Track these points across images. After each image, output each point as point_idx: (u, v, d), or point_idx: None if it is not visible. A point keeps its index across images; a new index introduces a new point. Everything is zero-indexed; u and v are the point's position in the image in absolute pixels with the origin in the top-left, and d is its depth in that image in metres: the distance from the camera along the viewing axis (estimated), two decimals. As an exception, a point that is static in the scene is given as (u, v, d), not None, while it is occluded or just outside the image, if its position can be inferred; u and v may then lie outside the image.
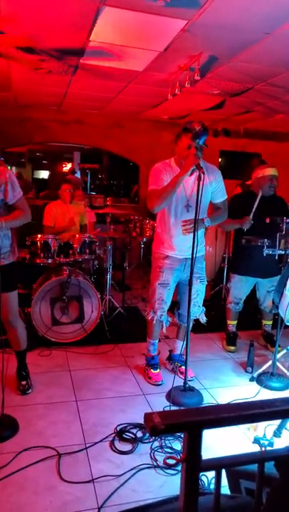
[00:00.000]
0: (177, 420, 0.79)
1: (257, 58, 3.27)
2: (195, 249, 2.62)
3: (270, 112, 5.31)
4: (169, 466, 1.98)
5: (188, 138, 2.64)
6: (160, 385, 3.00)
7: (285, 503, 0.89)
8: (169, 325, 3.07)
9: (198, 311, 3.04)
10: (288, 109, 5.14)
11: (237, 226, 3.41)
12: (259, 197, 3.25)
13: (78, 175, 9.53)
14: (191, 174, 2.64)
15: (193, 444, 0.82)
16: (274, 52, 3.12)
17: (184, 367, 3.05)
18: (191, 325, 2.93)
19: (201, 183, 2.51)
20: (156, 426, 0.78)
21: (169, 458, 1.87)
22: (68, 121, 6.38)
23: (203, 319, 3.09)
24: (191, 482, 0.85)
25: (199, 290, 2.99)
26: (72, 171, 8.69)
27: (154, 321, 3.02)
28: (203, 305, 3.10)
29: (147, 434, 2.35)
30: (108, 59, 3.48)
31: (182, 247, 2.86)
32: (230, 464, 0.92)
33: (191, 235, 2.64)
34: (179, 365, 3.17)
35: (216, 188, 2.85)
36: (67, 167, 10.01)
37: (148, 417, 0.80)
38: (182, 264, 2.94)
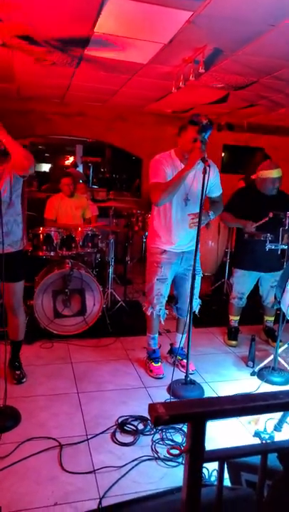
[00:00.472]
0: (181, 411, 0.79)
1: (261, 51, 3.24)
2: (197, 243, 2.64)
3: (273, 105, 5.27)
4: (173, 456, 2.00)
5: (195, 131, 2.62)
6: (161, 378, 3.01)
7: (288, 496, 0.90)
8: (165, 318, 3.09)
9: (194, 304, 3.02)
10: (293, 103, 5.10)
11: (239, 226, 3.43)
12: (265, 220, 3.21)
13: (81, 168, 9.50)
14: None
15: (197, 435, 0.82)
16: (279, 44, 3.09)
17: (184, 360, 3.08)
18: (185, 319, 2.96)
19: (207, 176, 2.50)
20: (161, 416, 0.78)
21: (172, 448, 1.89)
22: (71, 113, 6.35)
23: (197, 310, 3.07)
24: (194, 473, 0.85)
25: (195, 283, 2.98)
26: (74, 165, 8.67)
27: (154, 316, 3.03)
28: (204, 300, 3.11)
29: (148, 427, 2.37)
30: (112, 50, 3.45)
31: (181, 241, 2.87)
32: (233, 455, 0.93)
33: (187, 228, 2.71)
34: (180, 358, 3.18)
35: (213, 183, 2.86)
36: (69, 160, 9.98)
37: (152, 407, 0.80)
38: (179, 258, 2.95)
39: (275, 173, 3.32)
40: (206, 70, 3.48)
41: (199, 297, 3.05)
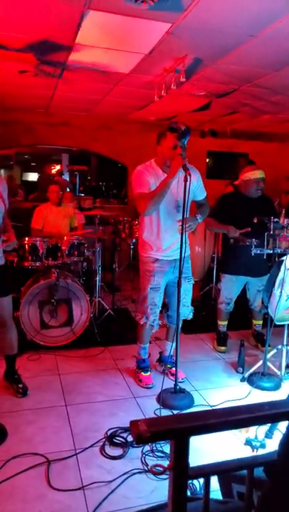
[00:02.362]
0: (163, 428, 0.78)
1: (241, 60, 3.29)
2: (184, 250, 2.65)
3: (256, 112, 5.35)
4: (157, 474, 1.96)
5: (174, 137, 2.64)
6: (151, 387, 2.98)
7: (276, 508, 0.89)
8: (158, 328, 3.05)
9: (186, 311, 3.03)
10: (274, 110, 5.18)
11: (223, 231, 3.43)
12: (247, 230, 3.23)
13: (67, 177, 9.48)
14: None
15: (181, 452, 0.80)
16: (258, 54, 3.13)
17: (174, 368, 3.05)
18: (175, 327, 2.91)
19: (188, 183, 2.52)
20: (142, 434, 0.76)
21: (156, 466, 1.86)
22: (56, 123, 6.35)
23: (189, 317, 3.09)
24: (178, 490, 0.83)
25: (187, 290, 2.99)
26: (59, 173, 8.64)
27: (146, 326, 2.99)
28: (192, 305, 3.10)
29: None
30: (94, 61, 3.46)
31: (173, 248, 2.87)
32: (218, 471, 0.91)
33: (178, 235, 2.69)
34: (169, 366, 3.16)
35: (197, 187, 2.90)
36: (55, 169, 9.95)
37: (134, 424, 0.79)
38: (171, 266, 2.94)
39: (258, 174, 3.37)
40: (187, 79, 3.52)
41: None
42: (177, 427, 0.77)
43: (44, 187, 4.98)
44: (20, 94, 4.89)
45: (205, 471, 0.83)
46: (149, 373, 3.08)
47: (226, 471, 0.96)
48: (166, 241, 2.86)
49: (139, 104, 5.12)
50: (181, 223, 2.68)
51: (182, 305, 2.91)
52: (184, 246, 2.71)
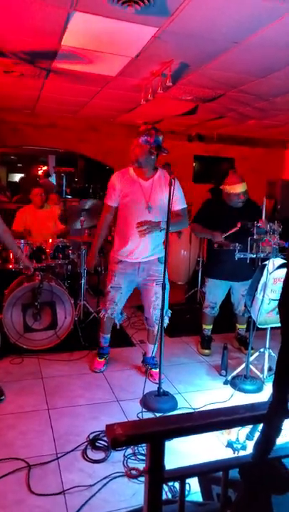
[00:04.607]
0: (139, 431, 0.78)
1: (227, 66, 3.33)
2: (152, 252, 2.87)
3: (242, 117, 5.42)
4: (132, 478, 1.96)
5: (136, 138, 2.78)
6: (96, 372, 3.19)
7: (249, 510, 0.90)
8: (122, 322, 3.24)
9: (159, 314, 3.01)
10: (259, 116, 5.25)
11: (208, 237, 3.46)
12: (234, 230, 3.26)
13: (53, 178, 9.42)
14: (149, 178, 2.84)
15: (156, 455, 0.81)
16: (243, 61, 3.18)
17: (154, 370, 3.14)
18: (157, 328, 3.01)
19: (160, 192, 2.75)
20: (117, 438, 0.76)
21: (132, 469, 1.85)
22: (42, 124, 6.31)
23: (165, 322, 3.04)
24: (154, 493, 0.84)
25: (158, 293, 2.98)
26: (46, 174, 8.58)
27: (105, 319, 3.15)
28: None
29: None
30: (80, 63, 3.46)
31: (137, 251, 2.92)
32: (193, 473, 0.92)
33: (150, 239, 2.81)
34: (150, 367, 3.19)
35: (172, 197, 2.88)
36: (42, 170, 9.88)
37: (109, 428, 0.79)
38: (135, 269, 2.99)
39: (239, 189, 3.36)
40: (173, 84, 3.55)
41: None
42: (152, 431, 0.77)
43: (27, 189, 4.94)
44: (5, 95, 4.85)
45: (180, 474, 0.84)
46: (102, 360, 3.27)
47: (201, 473, 0.96)
48: (132, 243, 2.91)
49: (127, 107, 5.13)
50: (138, 226, 2.80)
51: (153, 308, 3.01)
52: (153, 249, 2.88)
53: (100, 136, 6.68)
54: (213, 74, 3.55)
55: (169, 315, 3.11)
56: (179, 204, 2.91)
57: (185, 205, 2.96)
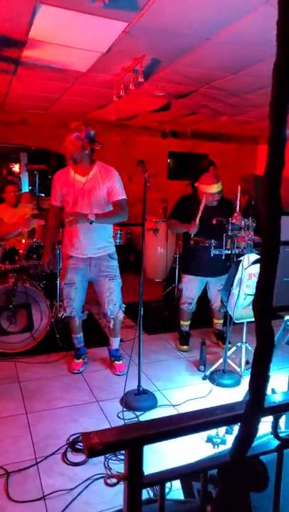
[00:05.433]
0: (116, 439, 0.76)
1: (198, 62, 3.33)
2: (102, 248, 2.98)
3: (214, 113, 5.45)
4: (111, 486, 1.95)
5: (69, 136, 2.86)
6: (75, 373, 3.18)
7: (229, 509, 0.90)
8: (82, 318, 3.24)
9: (114, 309, 3.12)
10: (231, 112, 5.30)
11: (184, 230, 3.45)
12: (204, 202, 3.30)
13: (26, 176, 9.22)
14: (86, 174, 2.89)
15: (135, 461, 0.79)
16: (214, 56, 3.18)
17: (116, 362, 3.26)
18: (114, 323, 3.15)
19: (95, 186, 2.86)
20: (94, 447, 0.74)
21: (110, 477, 1.84)
22: (12, 121, 6.16)
23: (120, 316, 3.17)
24: (133, 498, 0.82)
25: (111, 288, 3.08)
26: (8, 173, 8.34)
27: (69, 318, 3.18)
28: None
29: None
30: (49, 59, 3.38)
31: (82, 245, 2.96)
32: (173, 477, 0.91)
33: (93, 233, 2.89)
34: (113, 359, 3.28)
35: (109, 188, 2.93)
36: (15, 167, 9.65)
37: (85, 437, 0.77)
38: (86, 264, 3.03)
39: (214, 189, 3.37)
40: (145, 80, 3.51)
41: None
42: (130, 438, 0.76)
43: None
44: (-27, 91, 4.69)
45: (159, 478, 0.83)
46: (79, 360, 3.26)
47: (180, 476, 0.96)
48: (74, 238, 2.96)
49: (99, 103, 5.06)
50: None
51: (107, 302, 3.08)
52: (100, 245, 2.97)
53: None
54: (185, 70, 3.55)
55: (123, 309, 3.19)
56: (117, 195, 2.93)
57: (124, 196, 2.96)
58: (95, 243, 2.97)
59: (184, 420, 0.81)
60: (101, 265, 3.03)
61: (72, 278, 3.04)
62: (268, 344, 0.76)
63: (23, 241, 3.67)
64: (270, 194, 0.72)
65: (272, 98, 0.71)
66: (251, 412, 0.79)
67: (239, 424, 0.84)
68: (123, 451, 2.16)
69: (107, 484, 1.93)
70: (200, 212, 3.26)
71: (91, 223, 2.77)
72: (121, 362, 3.26)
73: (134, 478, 0.79)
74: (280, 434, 0.91)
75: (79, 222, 2.77)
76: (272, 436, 1.10)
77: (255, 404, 0.78)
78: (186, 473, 0.89)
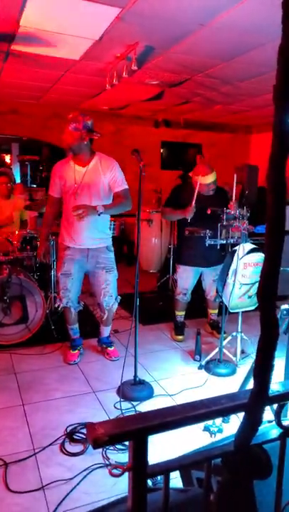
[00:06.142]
0: (121, 430, 0.76)
1: (193, 49, 3.29)
2: (97, 240, 2.97)
3: (208, 102, 5.41)
4: (116, 476, 1.96)
5: (67, 127, 2.85)
6: (72, 364, 3.19)
7: (233, 499, 0.90)
8: (78, 309, 3.25)
9: (110, 301, 3.15)
10: (225, 100, 5.26)
11: (180, 216, 3.41)
12: (197, 188, 3.28)
13: (17, 167, 9.11)
14: (86, 164, 2.87)
15: (140, 452, 0.79)
16: (209, 43, 3.15)
17: (109, 348, 3.32)
18: (108, 314, 3.19)
19: (96, 176, 2.85)
20: (99, 438, 0.74)
21: (114, 468, 1.85)
22: (3, 111, 6.05)
23: (114, 307, 3.21)
24: (139, 489, 0.82)
25: (108, 280, 3.09)
26: (1, 164, 8.26)
27: (65, 309, 3.17)
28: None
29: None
30: (41, 46, 3.31)
31: (80, 236, 2.96)
32: (177, 467, 0.91)
33: (92, 224, 2.89)
34: (105, 346, 3.35)
35: (111, 179, 2.93)
36: (5, 159, 9.52)
37: (90, 428, 0.76)
38: (84, 256, 3.04)
39: (209, 179, 3.35)
40: (138, 68, 3.47)
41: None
42: (135, 428, 0.75)
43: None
44: None
45: (164, 468, 0.83)
46: (75, 351, 3.27)
47: (184, 466, 0.96)
48: (73, 230, 2.96)
49: (91, 92, 4.99)
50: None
51: (103, 294, 3.09)
52: (98, 237, 2.97)
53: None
54: (179, 57, 3.50)
55: (118, 301, 3.21)
56: (120, 185, 2.94)
57: (126, 186, 2.97)
58: (94, 235, 2.97)
59: (188, 410, 0.81)
60: (98, 257, 3.02)
61: (69, 269, 3.04)
62: (273, 333, 0.75)
63: (17, 232, 3.63)
64: (274, 181, 0.71)
65: (277, 82, 0.70)
66: (256, 400, 0.79)
67: (243, 413, 0.84)
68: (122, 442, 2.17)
69: (112, 475, 1.94)
70: (195, 196, 3.24)
71: (99, 215, 2.80)
72: (113, 348, 3.33)
73: (139, 468, 0.79)
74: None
75: (89, 215, 2.77)
76: (270, 424, 1.11)
77: (260, 393, 0.78)
78: (190, 463, 0.89)
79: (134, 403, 2.68)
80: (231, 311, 3.09)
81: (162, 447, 2.13)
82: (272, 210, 0.72)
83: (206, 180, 3.34)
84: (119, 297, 3.20)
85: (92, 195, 2.88)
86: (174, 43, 3.16)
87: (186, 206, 3.32)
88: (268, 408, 1.06)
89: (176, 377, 3.07)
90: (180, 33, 2.95)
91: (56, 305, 3.21)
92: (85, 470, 2.05)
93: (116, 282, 3.16)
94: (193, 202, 3.24)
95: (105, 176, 2.90)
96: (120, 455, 2.16)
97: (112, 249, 3.14)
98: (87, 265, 3.07)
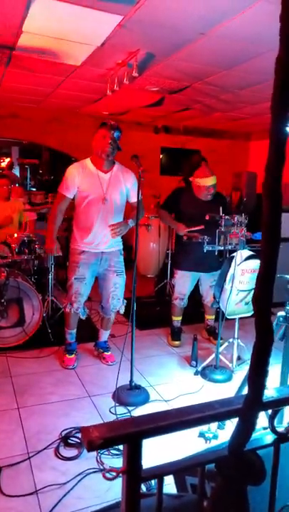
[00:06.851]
0: (115, 433, 0.76)
1: (193, 57, 3.32)
2: (113, 244, 3.01)
3: (207, 109, 5.45)
4: (110, 480, 1.96)
5: (104, 130, 2.83)
6: (71, 368, 3.18)
7: (227, 505, 0.90)
8: (85, 316, 3.25)
9: (117, 304, 3.17)
10: (224, 108, 5.30)
11: (172, 226, 3.50)
12: (195, 192, 3.34)
13: (17, 170, 9.12)
14: (108, 171, 2.92)
15: (134, 455, 0.79)
16: (209, 52, 3.18)
17: (106, 353, 3.33)
18: (112, 317, 3.24)
19: (119, 185, 2.89)
20: (93, 441, 0.74)
21: (108, 471, 1.84)
22: (3, 115, 6.07)
23: (122, 310, 3.22)
24: (132, 493, 0.83)
25: (117, 283, 3.13)
26: (9, 166, 8.30)
27: (72, 313, 3.15)
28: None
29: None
30: (44, 51, 3.34)
31: (99, 240, 3.00)
32: (171, 471, 0.92)
33: (106, 230, 2.94)
34: (102, 351, 3.35)
35: (130, 191, 3.02)
36: (5, 162, 9.54)
37: (85, 431, 0.76)
38: (98, 259, 3.06)
39: (209, 182, 3.39)
40: (139, 74, 3.50)
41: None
42: (129, 432, 0.76)
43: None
44: None
45: (158, 473, 0.83)
46: (72, 356, 3.26)
47: (179, 470, 0.96)
48: (93, 236, 2.98)
49: (92, 97, 5.02)
50: (112, 228, 2.92)
51: (112, 297, 3.11)
52: (114, 241, 3.02)
53: (65, 128, 6.51)
54: (179, 65, 3.53)
55: (125, 304, 3.22)
56: (136, 195, 2.97)
57: (139, 198, 3.02)
58: (112, 239, 3.01)
59: (183, 414, 0.81)
60: (111, 260, 3.07)
61: (84, 273, 3.04)
62: (268, 339, 0.76)
63: (15, 235, 3.63)
64: (270, 188, 0.72)
65: (274, 92, 0.71)
66: (250, 406, 0.79)
67: (237, 418, 0.84)
68: (116, 446, 2.16)
69: (105, 478, 1.94)
70: (196, 228, 3.31)
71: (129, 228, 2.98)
72: (110, 352, 3.35)
73: (133, 471, 0.79)
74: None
75: (124, 232, 2.97)
76: (264, 431, 1.12)
77: (254, 399, 0.79)
78: (184, 468, 0.89)
79: (130, 408, 2.67)
80: (228, 317, 3.10)
81: (157, 454, 2.11)
82: (268, 217, 0.73)
83: (206, 183, 3.38)
84: (125, 301, 3.21)
85: (115, 203, 2.96)
86: (175, 51, 3.19)
87: (183, 211, 3.37)
88: (263, 414, 1.07)
89: (172, 383, 3.06)
90: (181, 41, 2.98)
91: (67, 310, 3.14)
92: (79, 475, 2.04)
93: (124, 286, 3.19)
94: (189, 229, 3.34)
95: (125, 185, 2.99)
96: (114, 460, 2.16)
97: (123, 252, 3.18)
98: (99, 268, 3.09)
